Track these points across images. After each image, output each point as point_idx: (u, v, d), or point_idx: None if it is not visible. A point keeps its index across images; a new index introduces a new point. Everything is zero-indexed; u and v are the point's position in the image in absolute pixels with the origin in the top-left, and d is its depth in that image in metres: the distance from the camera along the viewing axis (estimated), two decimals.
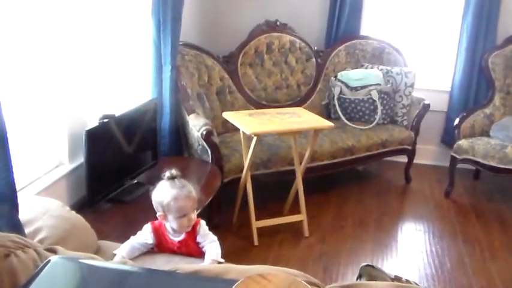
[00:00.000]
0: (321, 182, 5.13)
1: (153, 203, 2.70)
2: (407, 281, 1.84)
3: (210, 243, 2.69)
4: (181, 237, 2.71)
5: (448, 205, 5.07)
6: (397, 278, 1.84)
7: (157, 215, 2.70)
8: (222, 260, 2.62)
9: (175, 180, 2.66)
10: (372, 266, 1.92)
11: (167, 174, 2.68)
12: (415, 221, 4.79)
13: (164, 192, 2.65)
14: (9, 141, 2.21)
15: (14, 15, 2.97)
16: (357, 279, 1.91)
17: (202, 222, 2.74)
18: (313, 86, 5.60)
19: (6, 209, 2.23)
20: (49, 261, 1.39)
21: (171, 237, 2.72)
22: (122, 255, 2.62)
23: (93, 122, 3.48)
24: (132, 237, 2.73)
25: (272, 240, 4.23)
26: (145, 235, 2.72)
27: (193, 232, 2.70)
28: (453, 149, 5.09)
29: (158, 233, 2.73)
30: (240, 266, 1.66)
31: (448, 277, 3.86)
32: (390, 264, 4.02)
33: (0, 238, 1.73)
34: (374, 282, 1.63)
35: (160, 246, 2.74)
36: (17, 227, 2.27)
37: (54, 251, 1.73)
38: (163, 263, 2.64)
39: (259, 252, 4.03)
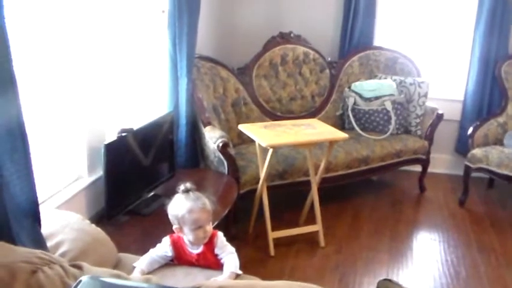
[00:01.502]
0: (336, 192, 5.17)
1: (169, 216, 2.76)
2: None
3: (228, 255, 2.73)
4: (200, 249, 2.75)
5: (462, 214, 5.09)
6: None
7: (173, 228, 2.76)
8: (240, 272, 2.66)
9: (190, 193, 2.73)
10: (390, 280, 1.95)
11: (182, 187, 2.75)
12: (430, 230, 4.81)
13: (179, 205, 2.71)
14: (31, 156, 2.26)
15: (34, 30, 3.04)
16: None
17: (220, 234, 2.79)
18: (327, 97, 5.65)
19: (29, 224, 2.28)
20: (80, 281, 1.44)
21: (190, 249, 2.76)
22: (141, 268, 2.67)
23: (111, 136, 3.54)
24: (151, 250, 2.77)
25: (288, 250, 4.27)
26: (164, 248, 2.77)
27: (210, 244, 2.75)
28: (467, 158, 5.11)
29: (177, 245, 2.77)
30: (264, 283, 1.70)
31: (463, 286, 3.88)
32: (406, 274, 4.04)
33: (27, 254, 1.78)
34: None
35: (179, 258, 2.79)
36: (39, 241, 2.32)
37: (79, 267, 1.78)
38: (182, 275, 2.69)
39: (276, 263, 4.07)
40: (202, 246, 2.75)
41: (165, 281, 2.63)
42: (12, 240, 2.07)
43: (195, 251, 2.76)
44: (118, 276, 1.70)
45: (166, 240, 2.80)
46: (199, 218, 2.66)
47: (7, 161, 2.13)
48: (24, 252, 1.81)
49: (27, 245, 2.20)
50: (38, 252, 1.84)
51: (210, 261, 2.75)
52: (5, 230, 2.07)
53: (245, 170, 4.42)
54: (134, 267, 2.68)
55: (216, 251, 2.75)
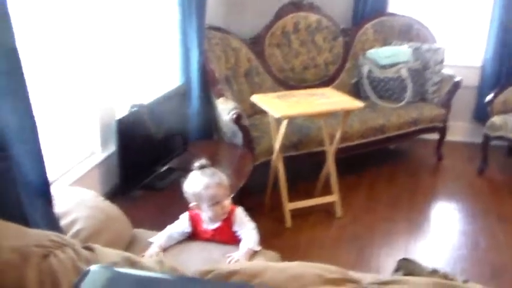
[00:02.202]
0: (352, 162, 5.07)
1: (186, 194, 2.72)
2: (444, 274, 1.81)
3: (247, 231, 2.68)
4: (217, 225, 2.71)
5: (481, 183, 5.00)
6: (434, 271, 1.82)
7: (190, 205, 2.72)
8: (258, 248, 2.61)
9: (205, 169, 2.70)
10: (409, 260, 1.89)
11: (197, 164, 2.72)
12: (448, 199, 4.75)
13: (195, 182, 2.68)
14: (39, 135, 2.20)
15: (44, 6, 2.97)
16: (394, 272, 1.88)
17: (239, 211, 2.74)
18: (341, 65, 5.54)
19: (41, 204, 2.24)
20: (89, 271, 1.40)
21: (205, 226, 2.73)
22: (159, 243, 2.64)
23: (123, 111, 3.48)
24: (168, 227, 2.74)
25: (304, 221, 4.23)
26: (183, 224, 2.74)
27: (228, 220, 2.71)
28: (486, 127, 5.00)
29: (195, 221, 2.74)
30: (278, 265, 1.64)
31: (482, 256, 3.82)
32: (424, 244, 3.99)
33: (39, 237, 1.73)
34: (413, 278, 1.60)
35: (195, 234, 2.75)
36: (52, 220, 2.28)
37: (91, 249, 1.73)
38: (198, 250, 2.65)
39: (292, 235, 4.02)
40: (220, 221, 2.71)
41: (181, 256, 2.59)
42: (25, 221, 2.03)
43: (212, 226, 2.72)
44: (129, 260, 1.65)
45: (185, 216, 2.77)
46: (216, 193, 2.63)
47: (16, 141, 2.08)
48: (36, 235, 1.76)
49: (41, 225, 2.16)
50: (51, 234, 1.80)
51: (227, 237, 2.71)
52: (18, 211, 2.03)
53: (259, 141, 4.35)
54: (151, 243, 2.65)
55: (235, 227, 2.71)
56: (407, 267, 1.83)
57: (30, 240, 1.71)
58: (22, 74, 2.06)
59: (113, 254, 1.71)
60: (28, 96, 2.11)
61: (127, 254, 1.69)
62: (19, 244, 1.68)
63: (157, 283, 1.38)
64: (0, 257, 1.62)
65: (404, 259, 1.90)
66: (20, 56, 2.03)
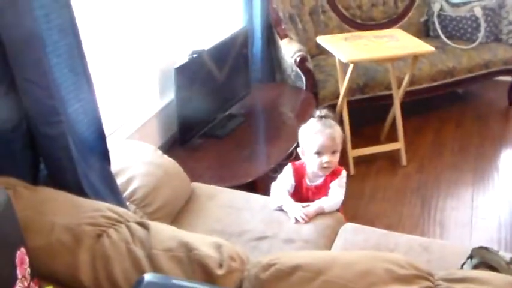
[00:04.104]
0: (419, 105, 4.87)
1: (299, 138, 2.69)
2: None
3: (335, 193, 2.61)
4: (319, 181, 2.66)
5: None
6: None
7: (298, 149, 2.70)
8: (327, 210, 2.54)
9: (323, 119, 2.66)
10: (486, 248, 1.78)
11: (317, 113, 2.68)
12: None
13: (308, 126, 2.67)
14: (95, 90, 2.14)
15: None
16: (467, 259, 1.78)
17: (344, 173, 2.68)
18: (411, 2, 5.26)
19: (97, 162, 2.20)
20: (143, 279, 1.35)
21: (309, 182, 2.68)
22: (278, 206, 2.57)
23: (183, 59, 3.38)
24: (274, 185, 2.66)
25: (369, 169, 4.13)
26: (288, 177, 2.68)
27: (332, 177, 2.64)
28: None
29: (298, 175, 2.69)
30: (345, 258, 1.56)
31: None
32: (491, 197, 3.84)
33: (93, 213, 1.68)
34: (490, 275, 1.50)
35: (299, 191, 2.69)
36: (108, 180, 2.24)
37: (146, 227, 1.68)
38: (260, 208, 2.58)
39: (356, 183, 3.92)
40: (322, 179, 2.65)
41: (242, 214, 2.54)
42: (79, 185, 1.99)
43: (314, 183, 2.67)
44: (186, 246, 1.58)
45: (288, 169, 2.71)
46: (323, 143, 2.57)
47: (71, 99, 2.02)
48: (89, 210, 1.72)
49: (97, 187, 2.12)
50: (105, 208, 1.75)
51: (323, 196, 2.64)
52: (72, 177, 1.99)
53: (324, 84, 4.23)
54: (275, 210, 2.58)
55: (331, 184, 2.63)
56: (483, 255, 1.73)
57: (83, 217, 1.67)
58: (77, 29, 1.98)
59: (169, 236, 1.64)
60: (83, 53, 2.04)
61: (185, 238, 1.63)
62: (72, 222, 1.64)
63: None
64: (53, 237, 1.59)
65: (481, 247, 1.79)
66: (73, 11, 1.95)
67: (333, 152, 2.60)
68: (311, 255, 1.62)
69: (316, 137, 2.58)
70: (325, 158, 2.57)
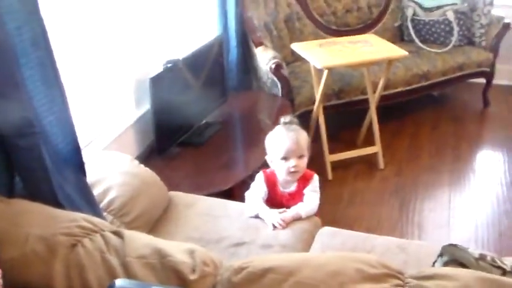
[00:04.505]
0: (395, 109, 4.92)
1: (266, 146, 2.71)
2: (492, 259, 1.73)
3: (310, 199, 2.64)
4: (293, 188, 2.68)
5: None
6: (481, 257, 1.73)
7: (266, 157, 2.72)
8: (304, 216, 2.56)
9: (289, 125, 2.68)
10: (455, 246, 1.81)
11: (282, 119, 2.70)
12: (494, 149, 4.61)
13: (274, 133, 2.69)
14: (68, 102, 2.15)
15: None
16: (438, 257, 1.81)
17: (316, 178, 2.70)
18: (384, 8, 5.32)
19: (72, 173, 2.20)
20: (113, 284, 1.36)
21: (282, 189, 2.69)
22: (255, 213, 2.58)
23: (158, 68, 3.40)
24: (248, 193, 2.69)
25: (346, 174, 4.16)
26: (260, 185, 2.69)
27: (305, 183, 2.67)
28: None
29: (270, 182, 2.70)
30: (316, 260, 1.58)
31: None
32: (467, 198, 3.89)
33: (68, 224, 1.69)
34: (458, 271, 1.52)
35: (270, 198, 2.70)
36: (84, 191, 2.23)
37: (121, 236, 1.68)
38: (237, 214, 2.60)
39: (334, 188, 3.95)
40: (295, 185, 2.68)
41: (220, 221, 2.56)
42: (54, 197, 1.99)
43: (287, 190, 2.69)
44: (160, 253, 1.59)
45: (260, 176, 2.72)
46: (289, 148, 2.59)
47: (45, 112, 2.03)
48: (64, 220, 1.72)
49: (73, 198, 2.12)
50: (80, 218, 1.75)
51: (298, 202, 2.66)
52: (47, 187, 1.98)
53: (300, 90, 4.26)
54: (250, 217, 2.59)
55: (305, 190, 2.66)
56: (452, 253, 1.75)
57: (58, 227, 1.67)
58: (49, 41, 1.99)
59: (143, 244, 1.66)
60: (56, 66, 2.05)
61: (158, 245, 1.64)
62: (47, 232, 1.64)
63: None
64: (27, 248, 1.59)
65: (450, 245, 1.82)
66: (44, 23, 1.96)
67: (300, 157, 2.61)
68: (283, 257, 1.64)
69: (281, 142, 2.61)
70: (292, 162, 2.59)
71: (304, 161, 2.65)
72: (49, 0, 2.43)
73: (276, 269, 1.49)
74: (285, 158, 2.60)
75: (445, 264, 1.75)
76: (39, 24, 1.94)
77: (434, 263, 1.82)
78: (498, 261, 1.75)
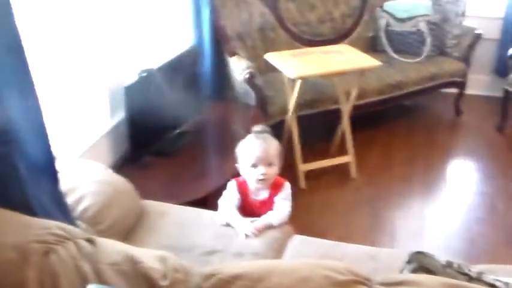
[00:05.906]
0: (368, 119, 4.96)
1: (237, 154, 2.73)
2: (459, 266, 1.76)
3: (281, 207, 2.64)
4: (264, 196, 2.69)
5: (500, 141, 4.90)
6: (448, 264, 1.76)
7: (236, 165, 2.73)
8: (276, 224, 2.57)
9: (260, 134, 2.70)
10: (423, 253, 1.84)
11: (254, 128, 2.72)
12: (466, 158, 4.68)
13: (244, 141, 2.70)
14: (42, 111, 2.14)
15: None
16: (406, 264, 1.83)
17: (287, 186, 2.72)
18: (358, 18, 5.38)
19: (46, 182, 2.19)
20: None
21: (254, 197, 2.70)
22: (226, 222, 2.59)
23: (132, 78, 3.41)
24: (221, 201, 2.69)
25: (319, 183, 4.17)
26: (233, 193, 2.70)
27: (276, 191, 2.68)
28: (507, 82, 4.85)
29: (242, 190, 2.71)
30: (285, 266, 1.59)
31: (500, 220, 3.76)
32: (439, 206, 3.94)
33: (40, 231, 1.69)
34: (424, 278, 1.55)
35: (245, 205, 2.71)
36: (58, 199, 2.22)
37: (93, 243, 1.69)
38: (210, 223, 2.60)
39: (306, 196, 3.96)
40: (267, 193, 2.69)
41: (192, 229, 2.56)
42: (28, 206, 1.98)
43: (259, 197, 2.70)
44: (131, 260, 1.60)
45: (232, 184, 2.73)
46: (258, 156, 2.61)
47: (19, 121, 2.02)
48: (37, 228, 1.72)
49: (47, 206, 2.11)
50: (53, 225, 1.75)
51: (269, 210, 2.67)
52: (20, 196, 1.97)
53: (273, 100, 4.28)
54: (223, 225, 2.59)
55: (275, 198, 2.67)
56: (420, 260, 1.78)
57: (30, 235, 1.67)
58: (23, 48, 1.98)
59: (115, 251, 1.66)
60: (30, 73, 2.04)
61: (130, 252, 1.64)
62: (19, 240, 1.64)
63: None
64: (0, 256, 1.58)
65: (418, 252, 1.84)
66: (18, 30, 1.95)
67: (269, 164, 2.63)
68: (253, 264, 1.66)
69: (250, 150, 2.63)
70: (261, 170, 2.60)
71: (274, 169, 2.66)
72: (23, 8, 2.42)
73: (245, 275, 1.50)
74: (254, 166, 2.61)
75: (413, 271, 1.78)
76: (13, 30, 1.93)
77: (402, 270, 1.84)
78: (464, 268, 1.78)
